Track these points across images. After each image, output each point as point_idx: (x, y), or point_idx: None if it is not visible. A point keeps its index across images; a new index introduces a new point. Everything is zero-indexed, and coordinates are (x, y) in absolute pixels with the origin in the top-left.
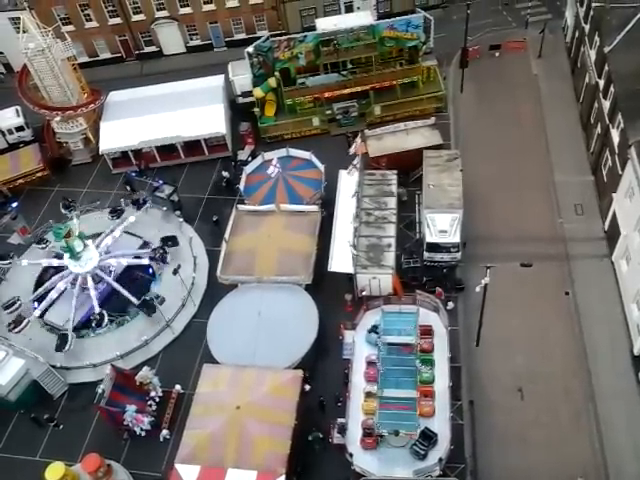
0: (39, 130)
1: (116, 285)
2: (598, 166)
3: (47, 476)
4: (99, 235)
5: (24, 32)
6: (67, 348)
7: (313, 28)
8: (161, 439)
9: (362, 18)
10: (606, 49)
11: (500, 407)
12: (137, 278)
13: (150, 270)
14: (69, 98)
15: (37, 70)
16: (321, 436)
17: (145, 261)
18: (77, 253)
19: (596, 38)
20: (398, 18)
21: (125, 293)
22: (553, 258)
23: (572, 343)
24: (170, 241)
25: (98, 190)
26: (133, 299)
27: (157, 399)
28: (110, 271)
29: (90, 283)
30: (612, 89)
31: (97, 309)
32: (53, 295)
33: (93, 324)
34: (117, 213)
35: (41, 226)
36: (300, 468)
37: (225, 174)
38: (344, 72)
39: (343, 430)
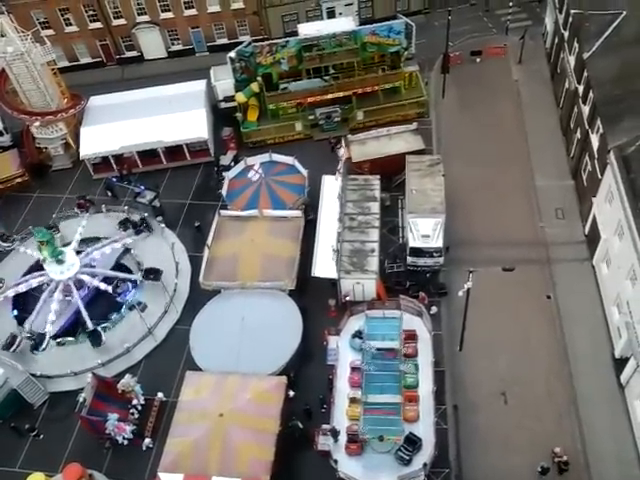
0: (18, 135)
1: (81, 304)
2: (578, 171)
3: None
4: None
5: (2, 36)
6: (104, 339)
7: (295, 33)
8: (144, 448)
9: (344, 24)
10: (585, 55)
11: (484, 411)
12: (118, 286)
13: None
14: (49, 103)
15: (16, 75)
16: (300, 425)
17: (129, 240)
18: (43, 259)
19: (575, 44)
20: (380, 24)
21: (121, 275)
22: (535, 262)
23: (554, 346)
24: (144, 224)
25: (76, 202)
26: (133, 276)
27: (139, 407)
28: (93, 272)
29: (89, 278)
30: (591, 94)
31: (90, 326)
32: (55, 307)
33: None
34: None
35: (21, 232)
36: None
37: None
38: (326, 77)
39: (335, 434)
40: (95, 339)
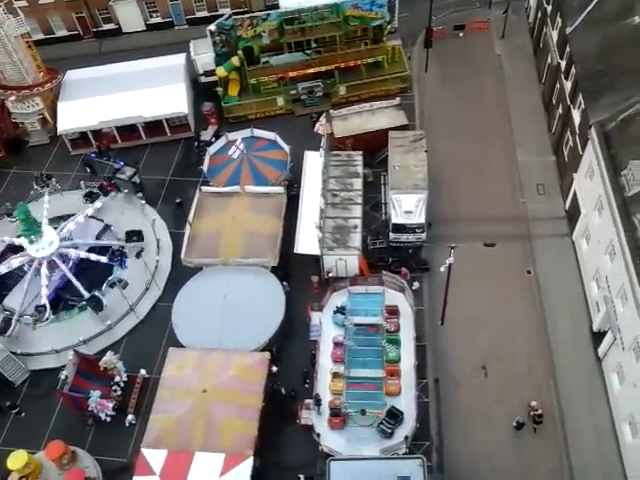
0: None
1: (70, 275)
2: (559, 146)
3: (9, 465)
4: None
5: None
6: (9, 333)
7: (276, 6)
8: (126, 424)
9: None
10: (568, 30)
11: (465, 385)
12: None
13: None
14: (24, 77)
15: None
16: (283, 391)
17: (103, 259)
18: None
19: (558, 19)
20: None
21: (77, 285)
22: (516, 237)
23: (534, 321)
24: (135, 236)
25: (56, 172)
26: (84, 292)
27: (122, 384)
28: (69, 258)
29: (44, 270)
30: (573, 70)
31: (43, 300)
32: (2, 270)
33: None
34: (92, 197)
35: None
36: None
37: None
38: (308, 51)
39: (318, 402)
40: (4, 327)
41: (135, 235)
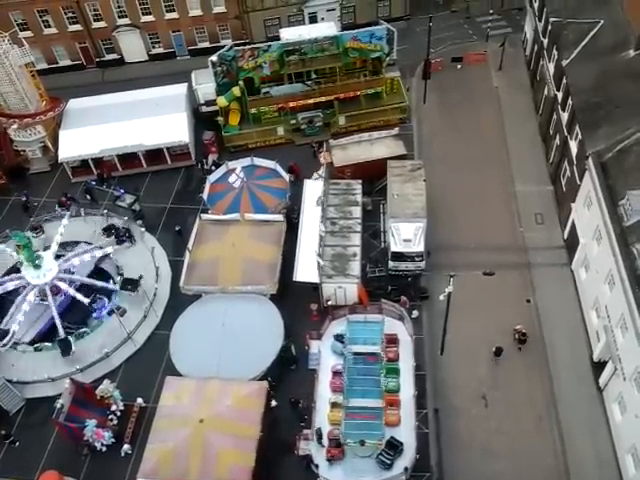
0: None
1: (86, 279)
2: (557, 176)
3: None
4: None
5: None
6: (74, 349)
7: (277, 38)
8: (122, 454)
9: (326, 29)
10: (564, 62)
11: (465, 414)
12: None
13: (110, 281)
14: (27, 105)
15: None
16: (294, 352)
17: (110, 249)
18: (21, 262)
19: (554, 52)
20: (362, 29)
21: (99, 283)
22: (515, 266)
23: (534, 350)
24: (112, 230)
25: (57, 199)
26: (110, 286)
27: (118, 413)
28: (71, 272)
29: (65, 287)
30: (570, 101)
31: (62, 334)
32: (26, 307)
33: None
34: (39, 230)
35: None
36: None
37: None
38: (308, 82)
39: (320, 436)
40: (65, 348)
41: (111, 229)
